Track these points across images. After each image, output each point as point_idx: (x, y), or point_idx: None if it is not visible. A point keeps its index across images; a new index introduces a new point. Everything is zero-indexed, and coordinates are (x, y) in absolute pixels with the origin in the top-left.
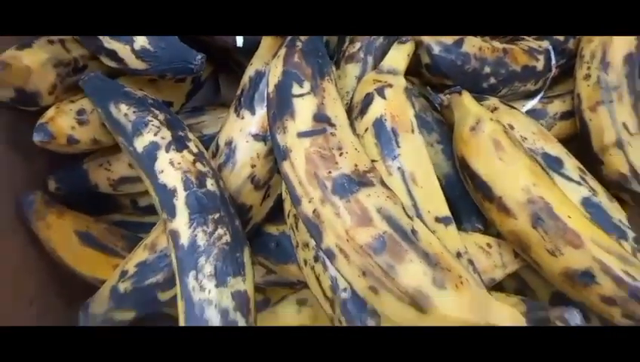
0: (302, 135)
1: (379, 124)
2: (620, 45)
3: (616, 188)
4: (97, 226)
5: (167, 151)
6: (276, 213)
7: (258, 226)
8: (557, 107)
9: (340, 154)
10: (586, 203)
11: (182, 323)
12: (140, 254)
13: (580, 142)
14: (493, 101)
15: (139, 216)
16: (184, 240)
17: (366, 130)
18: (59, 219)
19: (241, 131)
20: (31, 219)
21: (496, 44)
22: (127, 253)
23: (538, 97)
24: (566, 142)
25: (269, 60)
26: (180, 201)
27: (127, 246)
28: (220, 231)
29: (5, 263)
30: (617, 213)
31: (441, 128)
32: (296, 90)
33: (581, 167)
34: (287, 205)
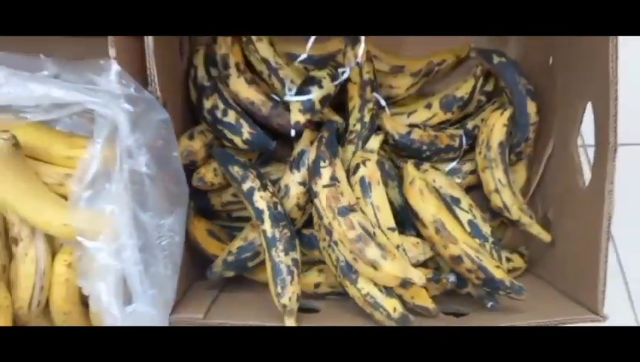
0: (324, 186)
1: (362, 180)
2: (496, 136)
3: (499, 215)
4: (215, 228)
5: (258, 191)
6: (308, 223)
7: (299, 229)
8: (467, 167)
9: (342, 196)
10: (470, 223)
11: (269, 272)
12: (238, 242)
13: (479, 187)
14: (426, 166)
15: (231, 222)
16: (269, 234)
17: (355, 182)
18: (199, 222)
19: (293, 180)
20: (188, 221)
21: (431, 132)
22: (230, 242)
23: (455, 162)
24: (473, 187)
25: (307, 144)
26: (266, 216)
27: (229, 239)
28: (285, 231)
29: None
30: (485, 228)
31: (399, 178)
32: (322, 164)
33: (471, 203)
34: (315, 219)
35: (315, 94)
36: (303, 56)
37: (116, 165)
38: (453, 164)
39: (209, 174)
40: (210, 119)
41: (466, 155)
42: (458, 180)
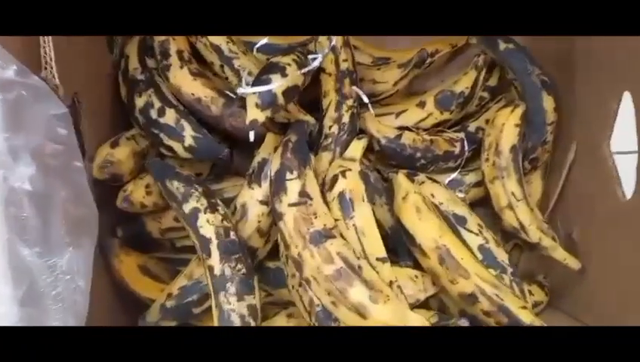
0: (291, 205)
1: (341, 195)
2: (507, 140)
3: (512, 237)
4: (151, 261)
5: (205, 213)
6: (274, 253)
7: (261, 262)
8: (471, 178)
9: (315, 217)
10: (481, 248)
11: (216, 323)
12: (181, 281)
13: (487, 203)
14: (421, 177)
15: (175, 254)
16: (217, 271)
17: (333, 199)
18: (127, 256)
19: (252, 198)
20: (110, 256)
21: (426, 136)
22: (170, 281)
23: (457, 172)
24: (479, 202)
25: (270, 151)
26: (214, 246)
27: (170, 276)
28: (239, 266)
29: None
30: (501, 255)
31: (387, 193)
32: (288, 175)
33: (480, 222)
34: (282, 248)
35: (277, 84)
36: (263, 41)
37: None
38: (453, 175)
39: (138, 192)
40: (143, 120)
41: (468, 164)
42: (460, 195)
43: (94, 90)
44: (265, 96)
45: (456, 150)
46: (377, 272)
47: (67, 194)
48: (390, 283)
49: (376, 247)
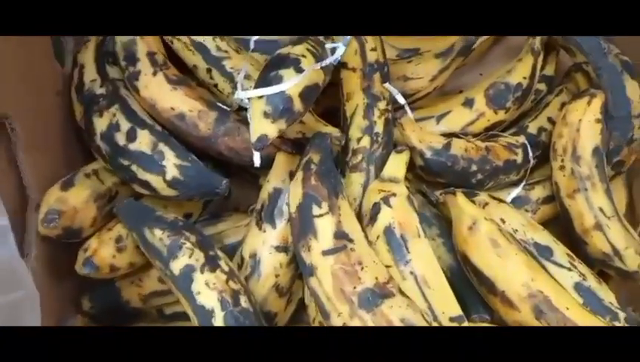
0: (326, 253)
1: (389, 231)
2: (587, 140)
3: (600, 265)
4: None
5: (202, 272)
6: (298, 316)
7: None
8: (538, 193)
9: (362, 269)
10: (578, 287)
11: None
12: None
13: (562, 224)
14: (483, 196)
15: (163, 323)
16: None
17: (377, 237)
18: None
19: (264, 244)
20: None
21: (479, 143)
22: None
23: (521, 186)
24: (550, 223)
25: (284, 178)
26: (219, 321)
27: None
28: None
29: None
30: (607, 296)
31: (440, 222)
32: (315, 210)
33: (569, 253)
34: (313, 312)
35: (291, 83)
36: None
37: None
38: (517, 191)
39: (105, 251)
40: (107, 149)
41: (533, 173)
42: (528, 215)
43: (37, 113)
44: (276, 101)
45: (519, 158)
46: None
47: None
48: None
49: (448, 303)
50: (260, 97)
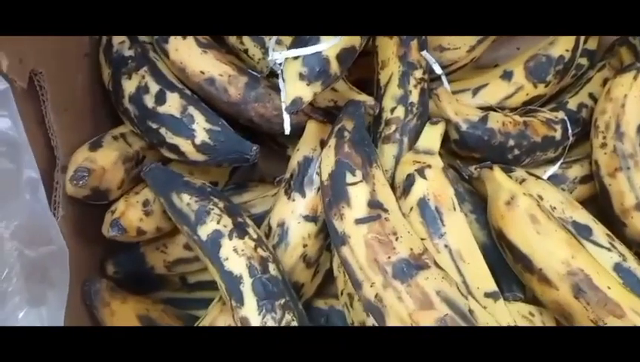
0: (359, 221)
1: (423, 203)
2: (632, 116)
3: (639, 246)
4: (156, 308)
5: (230, 238)
6: (325, 288)
7: (309, 303)
8: (576, 171)
9: (396, 239)
10: (618, 268)
11: None
12: None
13: (600, 203)
14: (520, 173)
15: (186, 293)
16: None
17: (411, 209)
18: (123, 304)
19: (293, 213)
20: (97, 306)
21: (517, 118)
22: None
23: (558, 164)
24: (586, 203)
25: (315, 146)
26: (247, 288)
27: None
28: (288, 316)
29: None
30: None
31: (473, 198)
32: (349, 178)
33: (609, 233)
34: (341, 284)
35: (329, 44)
36: None
37: None
38: (553, 169)
39: (132, 214)
40: (136, 111)
41: (571, 151)
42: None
43: (66, 73)
44: (313, 62)
45: (557, 135)
46: (492, 316)
47: (15, 228)
48: None
49: (483, 278)
50: (296, 58)
